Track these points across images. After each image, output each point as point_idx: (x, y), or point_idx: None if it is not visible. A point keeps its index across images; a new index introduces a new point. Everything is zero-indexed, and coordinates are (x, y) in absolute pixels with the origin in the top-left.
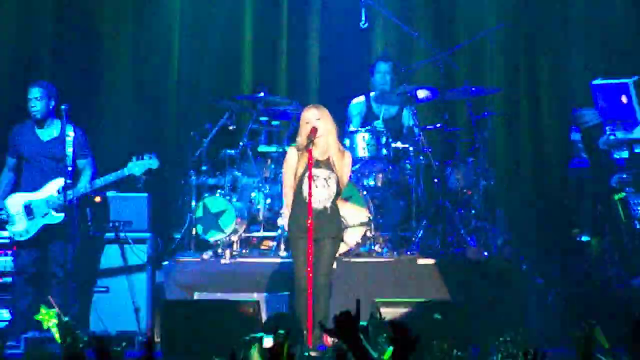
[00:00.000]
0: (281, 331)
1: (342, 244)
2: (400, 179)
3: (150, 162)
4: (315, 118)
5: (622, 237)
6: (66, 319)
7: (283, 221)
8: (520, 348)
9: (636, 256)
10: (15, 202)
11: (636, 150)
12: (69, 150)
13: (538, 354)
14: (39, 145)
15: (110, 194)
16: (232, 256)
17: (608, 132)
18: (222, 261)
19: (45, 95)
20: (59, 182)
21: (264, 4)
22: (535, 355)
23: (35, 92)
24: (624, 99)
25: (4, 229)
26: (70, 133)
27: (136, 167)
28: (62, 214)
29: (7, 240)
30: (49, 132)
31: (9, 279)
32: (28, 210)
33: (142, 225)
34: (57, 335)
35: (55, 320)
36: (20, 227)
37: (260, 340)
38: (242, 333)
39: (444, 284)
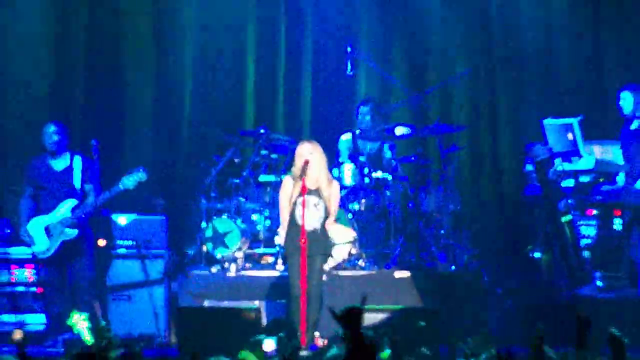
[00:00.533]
0: (281, 334)
1: (331, 259)
2: (381, 204)
3: (140, 176)
4: (308, 152)
5: (568, 253)
6: (103, 323)
7: (280, 239)
8: (483, 348)
9: (580, 269)
10: (36, 225)
11: (580, 180)
12: (78, 177)
13: (511, 355)
14: (53, 174)
15: (133, 216)
16: (236, 270)
17: (556, 164)
18: (228, 274)
19: (60, 131)
20: (70, 203)
21: (264, 53)
22: (508, 355)
23: (52, 128)
24: (569, 136)
25: (28, 246)
26: (78, 163)
27: (129, 181)
28: (76, 230)
29: (29, 256)
30: (61, 163)
31: (34, 289)
32: (47, 231)
33: (160, 243)
34: (87, 338)
35: (86, 324)
36: (43, 247)
37: (260, 343)
38: (245, 335)
39: (417, 293)
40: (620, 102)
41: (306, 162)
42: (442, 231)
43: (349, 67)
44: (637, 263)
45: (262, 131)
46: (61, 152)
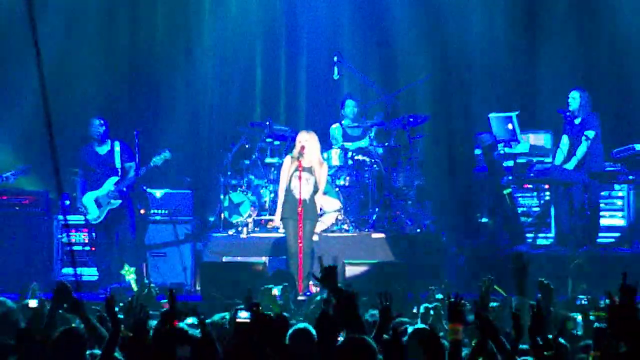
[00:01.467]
0: (285, 284)
1: (322, 224)
2: (361, 180)
3: (166, 155)
4: (305, 139)
5: (508, 218)
6: (146, 281)
7: (277, 219)
8: (443, 293)
9: (517, 231)
10: (88, 198)
11: (518, 161)
12: (118, 158)
13: (458, 297)
14: (98, 157)
15: (165, 190)
16: (247, 232)
17: (499, 149)
18: (241, 236)
19: (103, 124)
20: (113, 179)
21: (269, 62)
22: (456, 297)
23: (97, 122)
24: (509, 126)
25: (83, 215)
26: (117, 148)
27: (157, 159)
28: (119, 200)
29: (84, 222)
30: (104, 148)
31: (88, 248)
32: (97, 202)
33: (187, 211)
34: (134, 286)
35: (133, 276)
36: (94, 215)
37: (270, 290)
38: (255, 283)
39: (390, 250)
40: (570, 100)
41: (303, 147)
42: (409, 202)
43: (336, 72)
44: (563, 225)
45: (267, 123)
46: (104, 139)
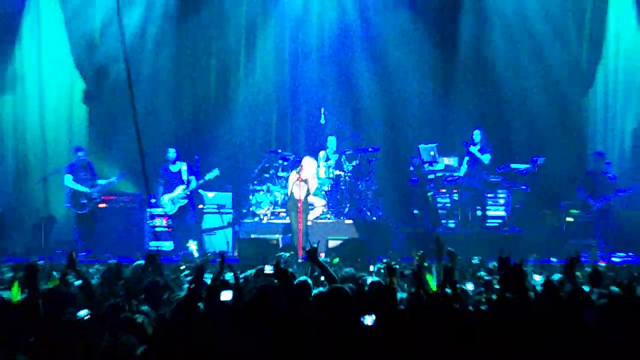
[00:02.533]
0: (291, 252)
1: (312, 214)
2: (338, 187)
3: (215, 172)
4: (305, 162)
5: (431, 211)
6: (208, 253)
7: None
8: (390, 261)
9: (437, 219)
10: (166, 199)
11: (437, 175)
12: (184, 174)
13: (400, 263)
14: (171, 173)
15: (215, 193)
16: (267, 219)
17: (425, 167)
18: (263, 221)
19: (176, 151)
20: (181, 187)
21: (281, 110)
22: (391, 265)
23: (172, 150)
24: (432, 153)
25: (163, 209)
26: (184, 167)
27: (209, 175)
28: (186, 200)
29: (162, 213)
30: (176, 167)
31: (166, 229)
32: (171, 201)
33: (229, 206)
34: (195, 254)
35: (195, 247)
36: (170, 209)
37: (281, 256)
38: (272, 252)
39: (356, 231)
40: (474, 136)
41: (302, 167)
42: (369, 200)
43: (322, 118)
44: (464, 215)
45: (279, 150)
46: (175, 161)
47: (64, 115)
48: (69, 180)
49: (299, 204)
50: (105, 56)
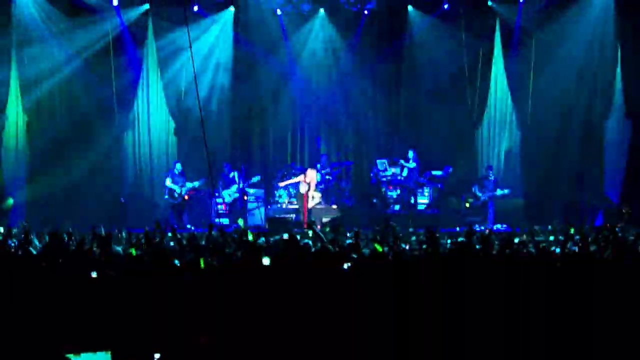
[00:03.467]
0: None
1: (312, 202)
2: (328, 187)
3: (257, 178)
4: (309, 171)
5: (383, 200)
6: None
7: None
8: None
9: (387, 204)
10: (224, 194)
11: (388, 178)
12: (236, 178)
13: (359, 232)
14: (228, 178)
15: (253, 191)
16: (285, 205)
17: (381, 174)
18: (283, 207)
19: (229, 165)
20: (234, 186)
21: (293, 139)
22: (358, 232)
23: (227, 165)
24: (384, 165)
25: (222, 199)
26: (235, 174)
27: (254, 179)
28: (237, 194)
29: (222, 202)
30: (230, 174)
31: (224, 212)
32: (229, 194)
33: (263, 199)
34: (242, 226)
35: (242, 222)
36: (227, 200)
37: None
38: (288, 225)
39: (339, 213)
40: (409, 154)
41: (306, 173)
42: (347, 194)
43: (319, 143)
44: (404, 201)
45: (292, 164)
46: (230, 171)
47: (163, 142)
48: (169, 181)
49: (304, 196)
50: (187, 106)
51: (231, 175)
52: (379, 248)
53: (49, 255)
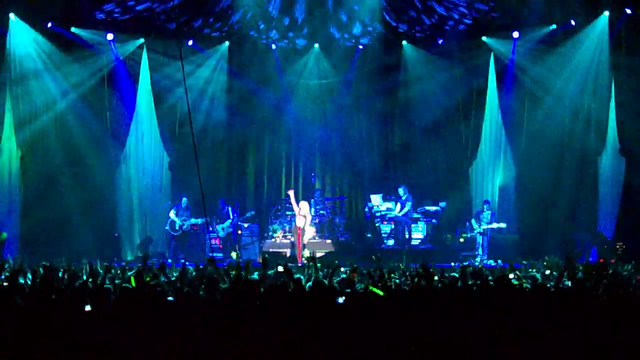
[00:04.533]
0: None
1: (306, 236)
2: (322, 221)
3: (251, 213)
4: (302, 204)
5: (377, 235)
6: (240, 259)
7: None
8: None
9: (381, 239)
10: (219, 228)
11: (382, 213)
12: (230, 213)
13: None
14: (223, 214)
15: (247, 225)
16: (279, 240)
17: (374, 209)
18: (277, 241)
19: (223, 201)
20: (228, 222)
21: (287, 175)
22: (355, 268)
23: (221, 201)
24: (378, 199)
25: (216, 234)
26: (230, 210)
27: (247, 215)
28: (231, 229)
29: (216, 236)
30: (224, 210)
31: (217, 245)
32: (222, 229)
33: (257, 233)
34: (236, 259)
35: (235, 255)
36: (221, 234)
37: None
38: (282, 259)
39: (333, 247)
40: (399, 191)
41: (300, 207)
42: (342, 229)
43: (312, 179)
44: (399, 237)
45: (285, 199)
46: (224, 207)
47: (157, 177)
48: (172, 213)
49: (299, 230)
50: (180, 141)
51: (225, 210)
52: (377, 291)
53: (42, 290)
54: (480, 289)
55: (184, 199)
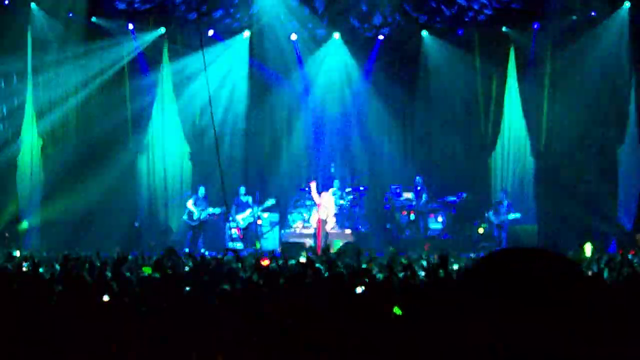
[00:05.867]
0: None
1: (328, 226)
2: (341, 211)
3: (272, 201)
4: (324, 195)
5: (397, 225)
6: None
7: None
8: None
9: (400, 229)
10: (239, 218)
11: (403, 203)
12: (250, 202)
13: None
14: (243, 203)
15: (269, 214)
16: (299, 230)
17: (394, 199)
18: (296, 231)
19: (244, 189)
20: (249, 210)
21: (308, 165)
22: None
23: (243, 188)
24: (397, 190)
25: (236, 223)
26: (250, 199)
27: (268, 202)
28: (252, 219)
29: (235, 225)
30: (245, 199)
31: (237, 236)
32: (243, 219)
33: (276, 223)
34: (258, 248)
35: (258, 246)
36: (242, 225)
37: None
38: (303, 250)
39: (353, 238)
40: (417, 180)
41: (322, 198)
42: (360, 219)
43: (332, 169)
44: (420, 227)
45: (306, 188)
46: (245, 195)
47: (178, 167)
48: (190, 202)
49: (319, 221)
50: (202, 130)
51: (245, 199)
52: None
53: (64, 280)
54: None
55: (202, 189)
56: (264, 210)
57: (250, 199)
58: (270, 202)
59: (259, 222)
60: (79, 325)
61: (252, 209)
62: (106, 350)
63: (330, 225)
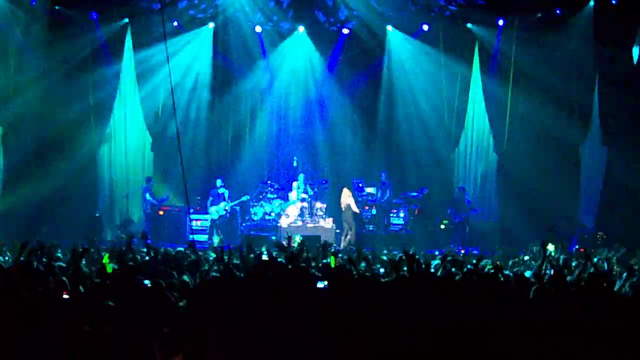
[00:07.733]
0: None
1: (288, 219)
2: (303, 207)
3: (245, 197)
4: (345, 190)
5: (358, 220)
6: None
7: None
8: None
9: (362, 223)
10: (213, 209)
11: (364, 198)
12: (226, 195)
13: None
14: (218, 194)
15: (234, 208)
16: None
17: (356, 193)
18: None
19: (222, 181)
20: (223, 204)
21: (270, 158)
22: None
23: (219, 180)
24: (360, 185)
25: (208, 214)
26: (225, 192)
27: (243, 198)
28: (224, 211)
29: (202, 219)
30: (221, 190)
31: (199, 227)
32: (216, 211)
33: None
34: (216, 243)
35: (217, 239)
36: (214, 216)
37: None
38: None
39: (315, 231)
40: (382, 175)
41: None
42: (323, 214)
43: (295, 162)
44: (380, 222)
45: (268, 181)
46: (219, 187)
47: (139, 157)
48: (149, 195)
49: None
50: (164, 121)
51: (221, 192)
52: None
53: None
54: (462, 279)
55: (151, 182)
56: (238, 205)
57: (227, 193)
58: (244, 198)
59: (228, 215)
60: (39, 317)
61: (227, 203)
62: (67, 340)
63: (292, 219)
